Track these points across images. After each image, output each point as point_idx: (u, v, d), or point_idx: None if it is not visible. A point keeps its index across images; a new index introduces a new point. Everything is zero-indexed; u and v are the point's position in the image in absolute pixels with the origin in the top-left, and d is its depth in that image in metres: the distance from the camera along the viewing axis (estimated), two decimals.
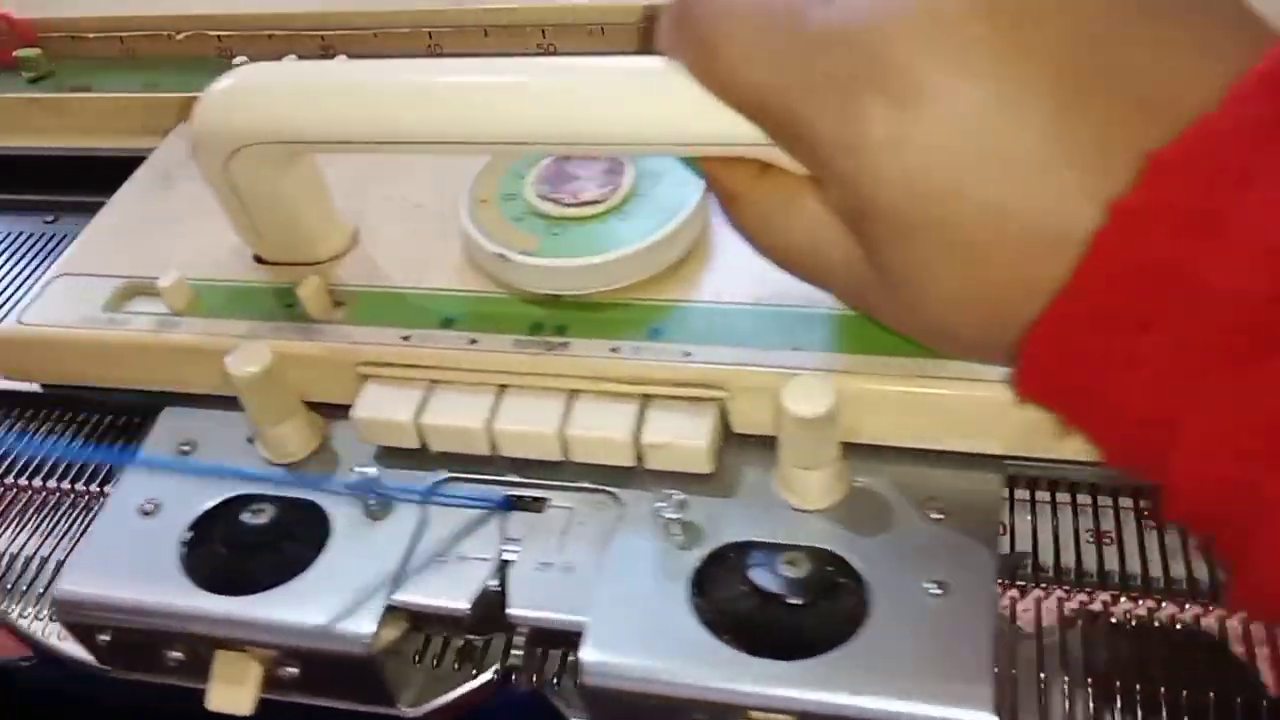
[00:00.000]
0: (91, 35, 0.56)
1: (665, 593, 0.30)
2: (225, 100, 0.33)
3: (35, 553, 0.38)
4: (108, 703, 0.39)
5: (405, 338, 0.35)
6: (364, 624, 0.30)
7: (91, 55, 0.57)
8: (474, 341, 0.34)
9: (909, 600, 0.28)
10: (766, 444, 0.32)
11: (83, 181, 0.52)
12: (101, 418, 0.41)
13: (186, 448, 0.36)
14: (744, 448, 0.33)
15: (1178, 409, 0.22)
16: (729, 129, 0.27)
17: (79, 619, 0.32)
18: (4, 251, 0.50)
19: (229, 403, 0.36)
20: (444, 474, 0.34)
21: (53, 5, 0.58)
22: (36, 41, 0.56)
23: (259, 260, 0.39)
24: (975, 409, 0.30)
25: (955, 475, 0.31)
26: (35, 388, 0.41)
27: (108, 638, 0.33)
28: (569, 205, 0.35)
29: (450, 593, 0.31)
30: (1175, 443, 0.22)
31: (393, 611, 0.31)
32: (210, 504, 0.34)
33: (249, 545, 0.32)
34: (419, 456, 0.34)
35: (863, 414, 0.31)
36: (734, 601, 0.29)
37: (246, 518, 0.33)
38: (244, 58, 0.49)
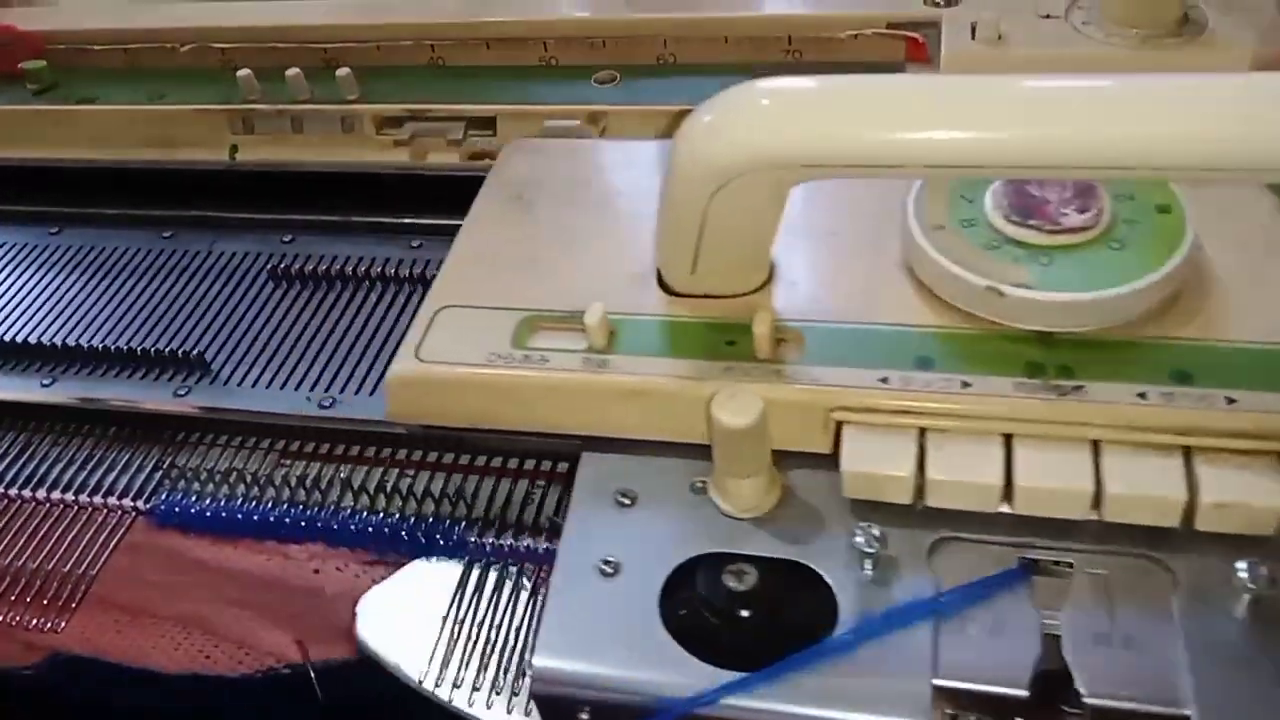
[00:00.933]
0: (97, 47, 0.56)
1: (1271, 673, 0.26)
2: (739, 124, 0.29)
3: None
4: (108, 705, 0.36)
5: (883, 379, 0.31)
6: (915, 715, 0.27)
7: (96, 67, 0.56)
8: (966, 384, 0.31)
9: None
10: None
11: (87, 193, 0.51)
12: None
13: (626, 500, 0.32)
14: None
15: None
16: None
17: (560, 697, 0.29)
18: (9, 263, 0.49)
19: (650, 447, 0.33)
20: (943, 533, 0.30)
21: (58, 18, 0.57)
22: (42, 53, 0.55)
23: (664, 289, 0.35)
24: None
25: None
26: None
27: (586, 715, 0.29)
28: (1053, 232, 0.32)
29: (1003, 673, 0.27)
30: None
31: (937, 693, 0.27)
32: (677, 563, 0.30)
33: (744, 613, 0.29)
34: (902, 512, 0.31)
35: None
36: None
37: (730, 581, 0.30)
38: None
